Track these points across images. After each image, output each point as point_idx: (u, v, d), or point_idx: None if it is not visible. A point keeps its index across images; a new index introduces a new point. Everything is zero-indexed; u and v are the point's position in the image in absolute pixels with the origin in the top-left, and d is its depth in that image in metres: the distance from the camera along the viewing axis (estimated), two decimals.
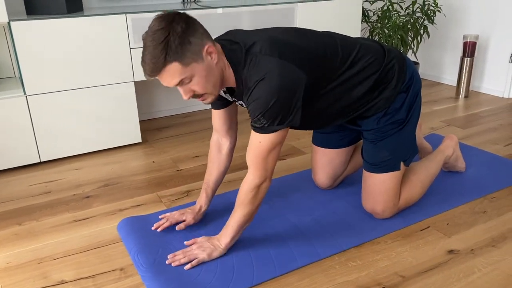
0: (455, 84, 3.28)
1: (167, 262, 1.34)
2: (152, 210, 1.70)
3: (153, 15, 2.23)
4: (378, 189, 1.51)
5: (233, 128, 1.53)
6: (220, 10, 2.36)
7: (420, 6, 3.08)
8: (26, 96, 2.00)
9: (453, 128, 2.46)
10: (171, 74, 1.14)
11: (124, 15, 2.12)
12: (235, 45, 1.26)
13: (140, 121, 2.70)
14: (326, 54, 1.32)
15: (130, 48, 2.17)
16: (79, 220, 1.65)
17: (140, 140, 2.35)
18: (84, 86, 2.12)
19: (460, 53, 3.25)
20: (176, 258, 1.34)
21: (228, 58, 1.25)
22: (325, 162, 1.72)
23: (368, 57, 1.38)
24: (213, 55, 1.20)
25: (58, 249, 1.48)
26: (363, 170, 1.55)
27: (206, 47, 1.17)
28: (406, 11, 3.17)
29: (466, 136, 2.34)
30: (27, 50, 1.95)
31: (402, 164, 1.50)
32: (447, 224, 1.55)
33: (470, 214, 1.61)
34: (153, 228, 1.51)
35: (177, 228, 1.50)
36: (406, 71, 1.45)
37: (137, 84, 2.66)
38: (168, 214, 1.55)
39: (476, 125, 2.51)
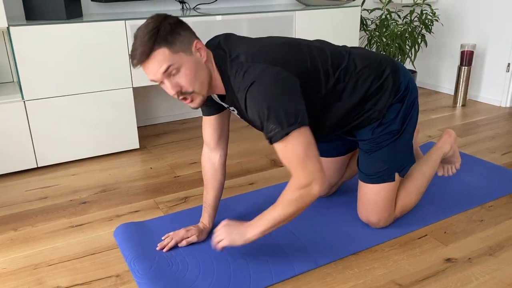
0: (452, 92, 3.29)
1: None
2: (149, 216, 1.69)
3: None
4: (373, 199, 1.51)
5: (223, 138, 1.49)
6: (219, 17, 2.37)
7: (418, 15, 3.10)
8: (24, 101, 2.00)
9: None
10: (158, 61, 1.13)
11: (123, 21, 2.12)
12: (221, 51, 1.25)
13: (138, 127, 2.70)
14: (314, 66, 1.29)
15: (128, 54, 2.17)
16: (75, 226, 1.64)
17: (138, 146, 2.35)
18: (83, 91, 2.12)
19: (457, 62, 3.27)
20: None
21: (216, 61, 1.24)
22: None
23: (359, 68, 1.36)
24: (202, 51, 1.19)
25: (54, 255, 1.47)
26: (358, 180, 1.55)
27: (195, 43, 1.18)
28: (404, 20, 3.19)
29: (464, 145, 2.35)
30: (26, 55, 1.95)
31: (397, 175, 1.50)
32: (445, 232, 1.55)
33: (467, 222, 1.61)
34: (158, 249, 1.44)
35: (179, 245, 1.45)
36: (401, 81, 1.43)
37: (136, 90, 2.66)
38: (172, 233, 1.48)
39: (474, 134, 2.52)
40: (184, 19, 2.25)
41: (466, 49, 2.99)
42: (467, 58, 3.00)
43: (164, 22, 1.14)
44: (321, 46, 1.36)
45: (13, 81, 2.30)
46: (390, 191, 1.50)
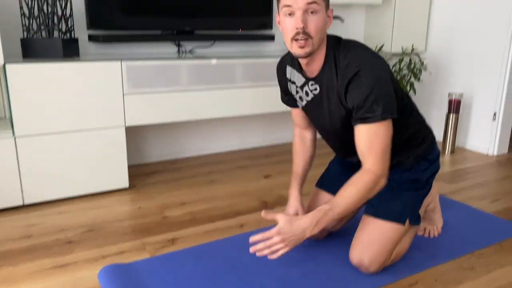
0: (441, 139, 3.35)
1: (250, 250, 1.27)
2: (135, 258, 1.65)
3: (148, 63, 2.28)
4: (375, 237, 1.46)
5: (308, 125, 1.67)
6: (214, 61, 2.42)
7: (407, 64, 3.20)
8: (14, 138, 1.99)
9: (440, 183, 2.49)
10: None
11: (120, 61, 2.16)
12: (334, 37, 1.40)
13: (129, 166, 2.69)
14: (398, 86, 1.43)
15: (123, 94, 2.20)
16: (59, 267, 1.59)
17: (127, 185, 2.33)
18: (75, 129, 2.12)
19: (445, 110, 3.35)
20: (258, 248, 1.28)
21: (327, 41, 1.36)
22: None
23: (419, 115, 1.52)
24: (329, 20, 1.33)
25: None
26: (364, 217, 1.52)
27: (330, 9, 1.33)
28: (393, 68, 3.29)
29: (453, 191, 2.36)
30: (20, 92, 1.97)
31: (407, 222, 1.48)
32: (435, 280, 1.53)
33: (458, 270, 1.59)
34: (253, 252, 1.30)
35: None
36: (434, 148, 1.58)
37: (128, 129, 2.67)
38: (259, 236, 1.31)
39: (463, 181, 2.54)
40: (180, 62, 2.32)
41: (453, 98, 3.07)
42: (455, 106, 3.08)
43: None
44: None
45: (5, 117, 2.30)
46: (396, 234, 1.47)
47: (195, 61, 2.38)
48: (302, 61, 1.40)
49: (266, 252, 1.28)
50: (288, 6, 1.26)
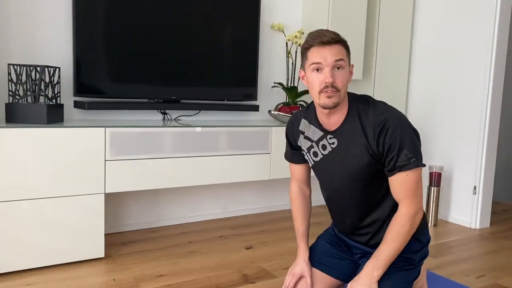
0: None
1: None
2: None
3: (132, 130, 2.29)
4: None
5: (309, 178, 1.68)
6: (198, 129, 2.44)
7: None
8: None
9: None
10: (339, 50, 1.36)
11: (104, 128, 2.16)
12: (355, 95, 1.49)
13: (105, 234, 2.59)
14: None
15: (105, 160, 2.18)
16: None
17: (103, 255, 2.23)
18: (52, 195, 2.06)
19: (427, 182, 3.39)
20: None
21: (349, 96, 1.45)
22: (305, 285, 1.62)
23: None
24: (351, 75, 1.42)
25: None
26: None
27: (352, 65, 1.43)
28: None
29: (438, 266, 2.32)
30: None
31: None
32: None
33: None
34: None
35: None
36: (427, 232, 1.58)
37: (107, 196, 2.61)
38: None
39: (447, 255, 2.51)
40: (164, 129, 2.33)
41: (434, 170, 3.12)
42: (435, 179, 3.12)
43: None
44: None
45: None
46: None
47: (179, 129, 2.39)
48: (324, 113, 1.44)
49: None
50: (317, 63, 1.36)
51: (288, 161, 1.68)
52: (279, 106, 3.03)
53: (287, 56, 3.09)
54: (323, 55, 1.35)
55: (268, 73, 3.14)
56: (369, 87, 3.33)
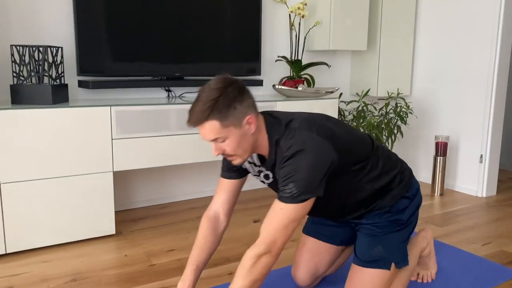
0: (430, 181, 3.36)
1: None
2: None
3: (137, 108, 2.29)
4: (361, 285, 1.46)
5: (232, 207, 1.55)
6: None
7: (393, 108, 3.26)
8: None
9: (430, 226, 2.47)
10: (209, 130, 1.26)
11: (109, 107, 2.17)
12: (275, 119, 1.38)
13: (116, 212, 2.64)
14: (357, 144, 1.42)
15: (112, 139, 2.19)
16: None
17: (114, 232, 2.27)
18: (62, 175, 2.09)
19: (433, 152, 3.39)
20: None
21: (268, 129, 1.36)
22: (310, 256, 1.67)
23: (387, 159, 1.50)
24: (252, 125, 1.31)
25: None
26: (352, 266, 1.52)
27: (247, 117, 1.29)
28: (380, 112, 3.35)
29: (444, 235, 2.35)
30: (6, 139, 1.95)
31: (393, 265, 1.48)
32: None
33: None
34: None
35: None
36: (413, 182, 1.57)
37: (116, 174, 2.65)
38: None
39: (453, 223, 2.53)
40: (169, 107, 2.34)
41: (440, 141, 3.11)
42: (441, 149, 3.11)
43: (226, 91, 1.25)
44: (363, 133, 1.52)
45: None
46: (384, 280, 1.46)
47: (184, 106, 2.40)
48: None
49: None
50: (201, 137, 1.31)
51: (224, 178, 1.53)
52: (283, 80, 3.02)
53: (290, 29, 3.06)
54: (200, 133, 1.29)
55: (271, 47, 3.11)
56: (374, 58, 3.29)
